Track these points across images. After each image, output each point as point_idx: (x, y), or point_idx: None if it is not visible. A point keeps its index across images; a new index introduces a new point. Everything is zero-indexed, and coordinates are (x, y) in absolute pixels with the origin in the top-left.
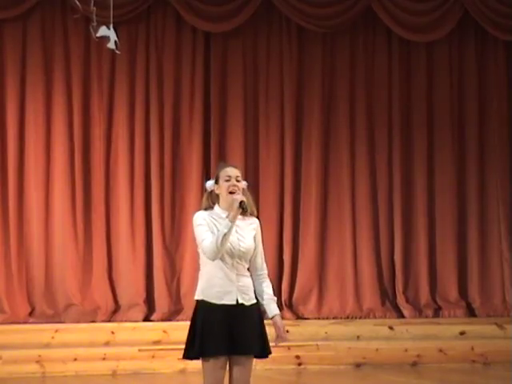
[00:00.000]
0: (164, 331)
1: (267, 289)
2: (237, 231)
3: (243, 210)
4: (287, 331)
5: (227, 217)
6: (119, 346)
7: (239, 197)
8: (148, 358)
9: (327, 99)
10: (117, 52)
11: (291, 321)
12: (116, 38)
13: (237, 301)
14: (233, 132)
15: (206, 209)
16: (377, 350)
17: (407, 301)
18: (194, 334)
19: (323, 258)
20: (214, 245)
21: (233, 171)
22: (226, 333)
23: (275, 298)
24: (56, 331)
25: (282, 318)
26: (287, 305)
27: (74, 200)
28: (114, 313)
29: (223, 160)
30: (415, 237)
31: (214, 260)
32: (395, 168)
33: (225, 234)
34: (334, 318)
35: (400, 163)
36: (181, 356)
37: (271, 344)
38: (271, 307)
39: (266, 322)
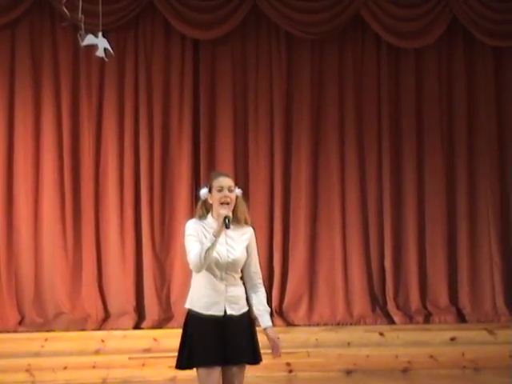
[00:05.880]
0: (154, 339)
1: (261, 299)
2: (227, 242)
3: (226, 226)
4: (278, 338)
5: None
6: (109, 354)
7: (225, 212)
8: (138, 366)
9: (316, 105)
10: (105, 59)
11: (282, 328)
12: (108, 46)
13: (225, 312)
14: (222, 139)
15: (200, 217)
16: (367, 356)
17: (398, 307)
18: (184, 344)
19: (313, 265)
20: (197, 258)
21: (225, 181)
22: (216, 343)
23: (269, 310)
24: (46, 340)
25: (273, 324)
26: (277, 312)
27: (64, 208)
28: (104, 321)
29: (213, 167)
30: (405, 243)
31: (198, 272)
32: (385, 174)
33: (208, 249)
34: (324, 325)
35: (390, 169)
36: (171, 364)
37: (264, 353)
38: (264, 319)
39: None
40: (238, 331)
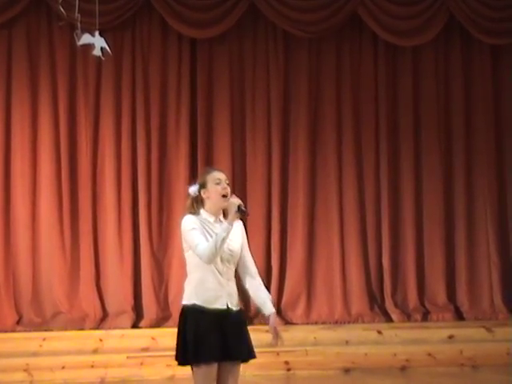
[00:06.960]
0: (152, 338)
1: (262, 286)
2: None
3: (243, 213)
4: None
5: (224, 220)
6: (107, 354)
7: (236, 200)
8: (136, 365)
9: (314, 104)
10: (102, 58)
11: (280, 326)
12: (106, 45)
13: (227, 305)
14: (219, 138)
15: (191, 214)
16: (365, 354)
17: (396, 305)
18: (186, 339)
19: (311, 264)
20: (213, 248)
21: (221, 174)
22: (218, 338)
23: (270, 297)
24: (44, 339)
25: None
26: (276, 310)
27: (61, 208)
28: (102, 320)
29: (210, 166)
30: (403, 241)
31: (210, 263)
32: (382, 173)
33: (223, 238)
34: (322, 323)
35: (387, 168)
36: (169, 362)
37: (263, 352)
38: (267, 305)
39: (254, 326)
40: (235, 327)
